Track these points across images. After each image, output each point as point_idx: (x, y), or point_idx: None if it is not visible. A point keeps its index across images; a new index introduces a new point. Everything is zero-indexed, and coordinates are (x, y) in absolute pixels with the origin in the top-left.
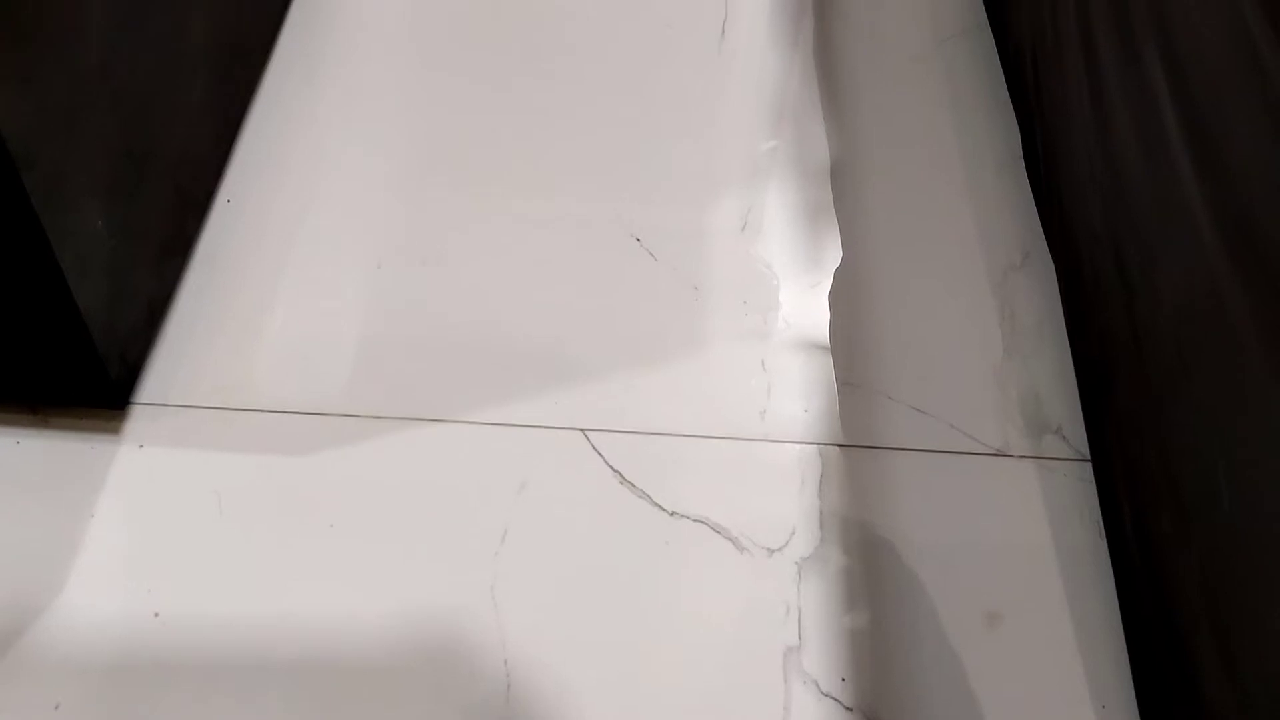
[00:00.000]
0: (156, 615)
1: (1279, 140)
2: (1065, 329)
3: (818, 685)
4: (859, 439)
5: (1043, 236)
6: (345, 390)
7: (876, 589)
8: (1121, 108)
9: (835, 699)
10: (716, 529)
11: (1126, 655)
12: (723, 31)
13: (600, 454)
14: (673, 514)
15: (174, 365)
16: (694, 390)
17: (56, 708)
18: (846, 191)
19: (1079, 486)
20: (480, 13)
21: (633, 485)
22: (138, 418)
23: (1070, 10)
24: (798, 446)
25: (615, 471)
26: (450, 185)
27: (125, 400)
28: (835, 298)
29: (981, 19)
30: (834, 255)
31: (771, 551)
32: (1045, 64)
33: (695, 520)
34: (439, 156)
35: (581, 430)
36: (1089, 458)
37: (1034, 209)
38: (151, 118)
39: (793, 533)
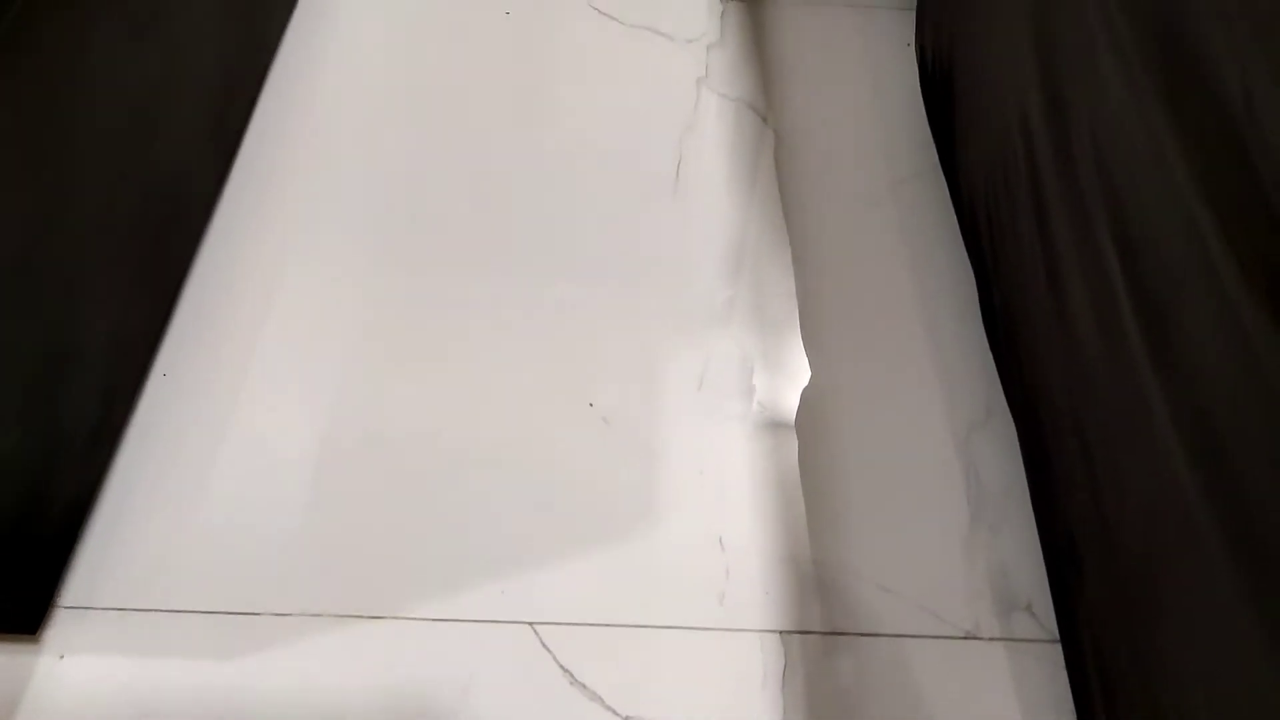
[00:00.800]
0: None
1: (1233, 347)
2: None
3: None
4: (824, 624)
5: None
6: (280, 586)
7: None
8: (1078, 287)
9: None
10: None
11: None
12: (676, 175)
13: (550, 651)
14: (627, 719)
15: (99, 564)
16: (649, 574)
17: None
18: (805, 346)
19: (1051, 671)
20: (423, 164)
21: (584, 686)
22: (60, 623)
23: (1021, 175)
24: (759, 635)
25: (565, 671)
26: (393, 356)
27: (38, 624)
28: (795, 463)
29: (934, 160)
30: (793, 415)
31: None
32: (999, 226)
33: None
34: (383, 322)
35: (530, 624)
36: (1059, 638)
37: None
38: (76, 309)
39: None
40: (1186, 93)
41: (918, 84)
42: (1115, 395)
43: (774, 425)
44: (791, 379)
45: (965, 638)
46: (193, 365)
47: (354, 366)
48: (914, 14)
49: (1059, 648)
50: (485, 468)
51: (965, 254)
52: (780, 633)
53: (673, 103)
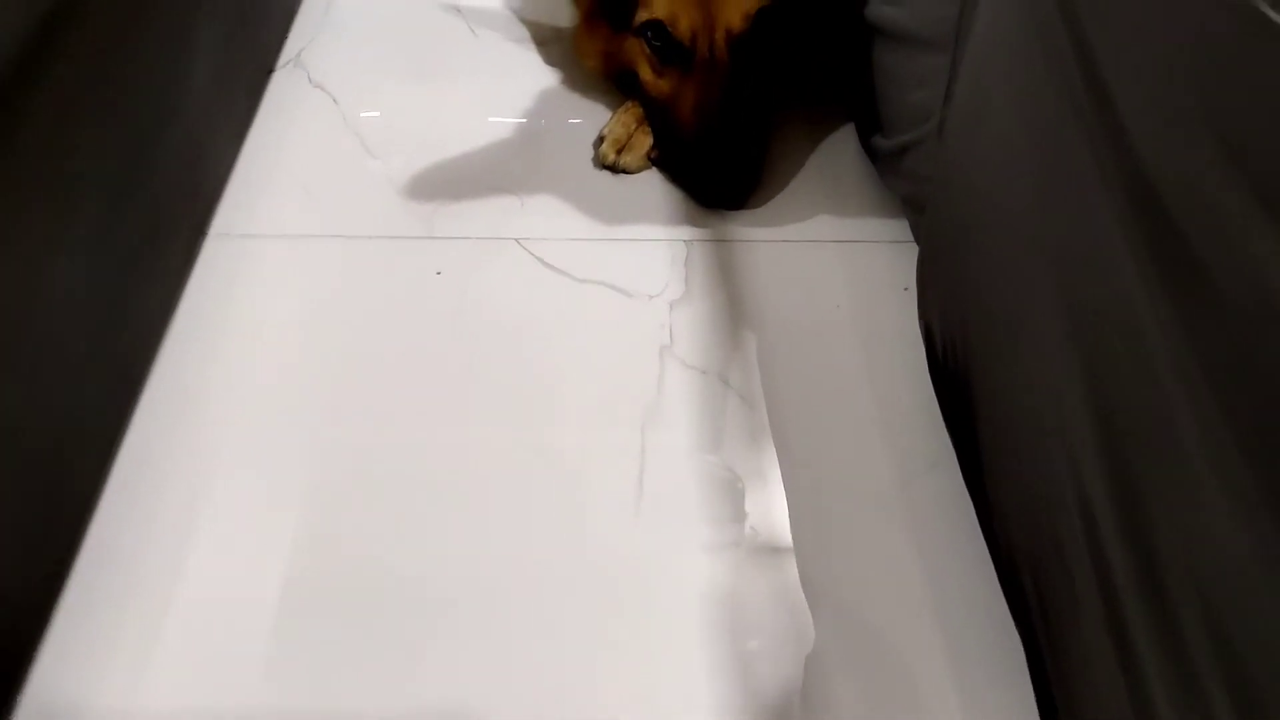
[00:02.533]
0: None
1: None
2: None
3: None
4: None
5: None
6: None
7: None
8: None
9: None
10: None
11: None
12: (640, 483)
13: None
14: None
15: None
16: None
17: None
18: (814, 696)
19: None
20: (354, 485)
21: None
22: None
23: (1089, 579)
24: None
25: None
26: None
27: None
28: None
29: (948, 446)
30: None
31: None
32: (1055, 616)
33: None
34: (300, 633)
35: None
36: None
37: None
38: None
39: None
40: None
41: (920, 344)
42: None
43: None
44: None
45: None
46: (72, 685)
47: (267, 680)
48: (909, 248)
49: None
50: None
51: (996, 583)
52: None
53: (632, 381)
